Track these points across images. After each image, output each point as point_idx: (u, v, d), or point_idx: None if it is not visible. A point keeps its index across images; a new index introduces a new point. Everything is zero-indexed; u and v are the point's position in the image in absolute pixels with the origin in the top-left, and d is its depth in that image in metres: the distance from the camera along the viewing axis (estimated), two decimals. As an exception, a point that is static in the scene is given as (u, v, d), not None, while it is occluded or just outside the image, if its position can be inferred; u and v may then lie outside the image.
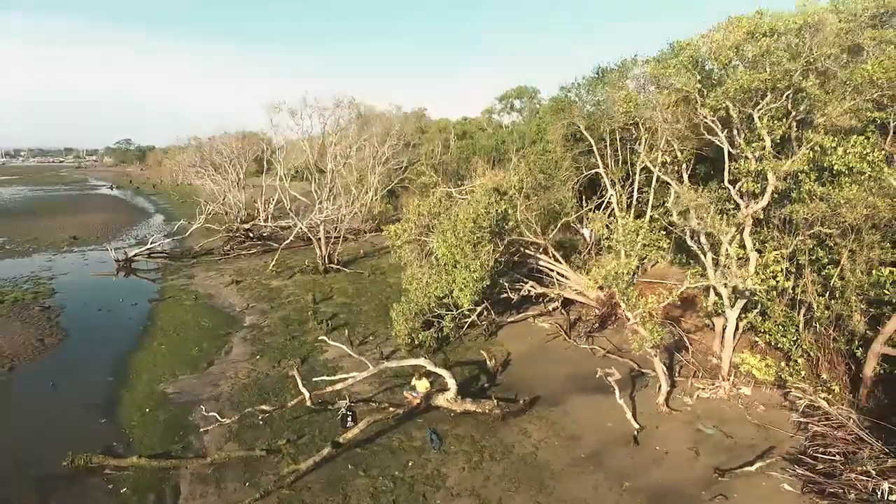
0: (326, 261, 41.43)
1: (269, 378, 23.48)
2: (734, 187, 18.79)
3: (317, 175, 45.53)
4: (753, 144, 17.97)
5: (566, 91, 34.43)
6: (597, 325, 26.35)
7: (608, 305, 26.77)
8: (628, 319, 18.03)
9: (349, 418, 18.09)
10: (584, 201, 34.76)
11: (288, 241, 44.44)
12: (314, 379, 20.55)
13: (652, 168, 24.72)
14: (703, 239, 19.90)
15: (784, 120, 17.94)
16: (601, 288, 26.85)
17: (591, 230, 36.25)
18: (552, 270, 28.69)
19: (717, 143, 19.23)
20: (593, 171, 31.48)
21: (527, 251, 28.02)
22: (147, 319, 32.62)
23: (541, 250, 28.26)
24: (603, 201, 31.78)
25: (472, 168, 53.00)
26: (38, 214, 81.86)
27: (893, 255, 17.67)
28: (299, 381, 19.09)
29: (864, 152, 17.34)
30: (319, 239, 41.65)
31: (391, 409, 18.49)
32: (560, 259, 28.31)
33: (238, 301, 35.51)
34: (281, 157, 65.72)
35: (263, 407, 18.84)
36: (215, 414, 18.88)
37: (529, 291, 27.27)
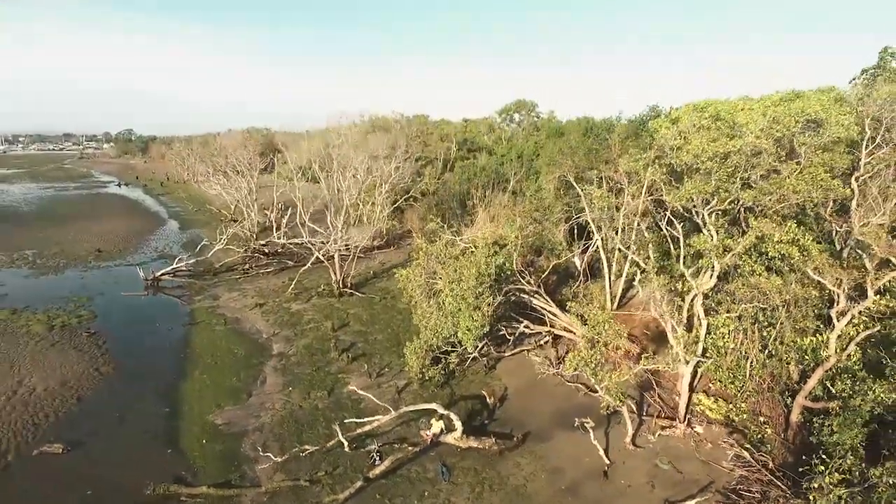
0: (341, 285, 45.46)
1: (303, 410, 27.70)
2: (688, 270, 22.76)
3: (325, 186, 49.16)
4: (702, 237, 22.01)
5: (559, 149, 38.05)
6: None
7: (591, 342, 30.90)
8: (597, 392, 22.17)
9: (378, 458, 22.29)
10: (575, 237, 38.76)
11: (306, 267, 48.13)
12: (345, 421, 24.72)
13: (625, 251, 28.81)
14: (664, 307, 23.97)
15: (727, 216, 21.94)
16: (585, 323, 31.11)
17: (582, 259, 40.39)
18: (545, 309, 32.75)
19: (674, 232, 23.22)
20: (582, 215, 35.37)
21: (522, 295, 32.02)
22: (185, 346, 36.73)
23: (534, 293, 32.24)
24: (590, 244, 35.70)
25: (473, 190, 56.88)
26: (56, 220, 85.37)
27: (817, 325, 21.78)
28: (340, 434, 23.09)
29: (795, 237, 21.42)
30: (334, 264, 45.59)
31: (409, 448, 22.73)
32: (551, 302, 32.32)
33: (264, 327, 39.63)
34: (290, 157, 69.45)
35: (307, 447, 22.98)
36: (269, 455, 22.89)
37: (525, 330, 31.38)
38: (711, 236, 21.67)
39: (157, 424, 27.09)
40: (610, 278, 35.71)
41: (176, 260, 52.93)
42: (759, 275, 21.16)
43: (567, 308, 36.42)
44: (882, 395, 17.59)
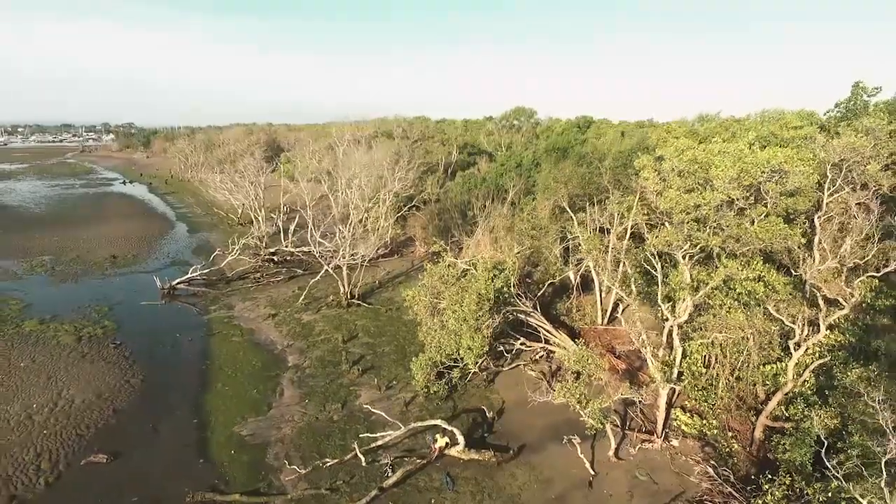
0: (349, 296, 48.24)
1: (319, 422, 30.57)
2: (665, 305, 25.44)
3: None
4: (677, 275, 24.75)
5: (554, 178, 40.60)
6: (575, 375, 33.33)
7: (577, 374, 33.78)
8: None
9: (390, 470, 25.17)
10: (570, 251, 41.43)
11: (316, 279, 50.79)
12: (361, 435, 27.61)
13: (612, 286, 31.59)
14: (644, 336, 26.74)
15: (703, 252, 24.67)
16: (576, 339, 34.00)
17: (576, 274, 43.06)
18: (540, 326, 35.53)
19: (654, 272, 25.93)
20: (576, 238, 38.05)
21: (519, 315, 34.76)
22: (205, 357, 39.52)
23: (529, 314, 34.99)
24: (583, 262, 38.40)
25: (474, 200, 59.43)
26: (68, 223, 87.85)
27: (779, 353, 24.58)
28: (357, 450, 25.96)
29: (761, 275, 24.16)
30: (342, 276, 48.32)
31: (418, 460, 25.63)
32: (545, 321, 35.08)
33: (278, 338, 42.45)
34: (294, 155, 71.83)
35: (327, 460, 25.85)
36: (295, 467, 25.73)
37: (521, 347, 34.20)
38: (685, 276, 24.40)
39: (188, 435, 29.94)
40: (601, 295, 38.47)
41: (191, 270, 55.56)
42: (729, 309, 23.91)
43: (562, 320, 39.37)
44: (826, 419, 20.40)
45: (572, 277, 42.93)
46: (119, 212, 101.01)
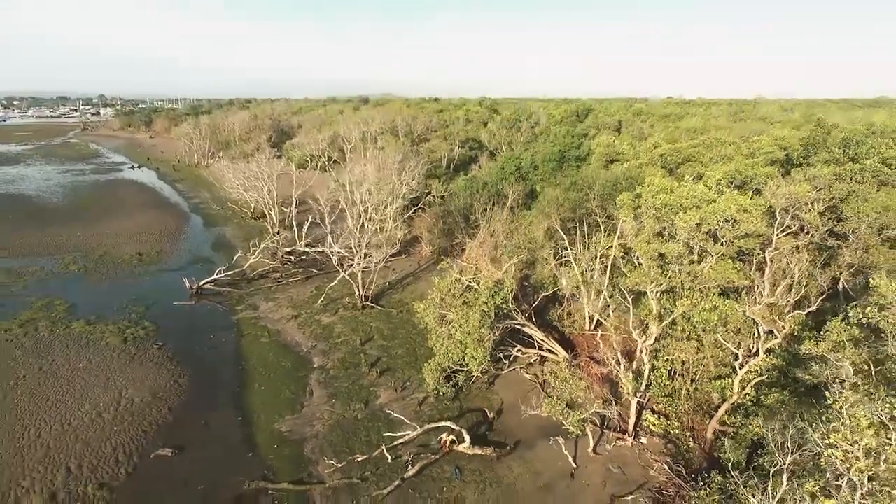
0: (363, 298, 53.46)
1: (346, 420, 36.08)
2: (636, 329, 30.57)
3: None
4: (645, 306, 29.89)
5: (548, 202, 45.32)
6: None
7: (570, 363, 39.23)
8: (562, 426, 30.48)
9: (410, 464, 30.75)
10: (561, 267, 46.43)
11: (333, 285, 55.77)
12: (384, 434, 33.15)
13: (595, 314, 36.75)
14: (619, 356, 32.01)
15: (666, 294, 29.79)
16: (568, 349, 39.40)
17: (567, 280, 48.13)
18: (534, 335, 40.84)
19: (626, 303, 31.04)
20: (566, 256, 43.06)
21: (516, 326, 39.99)
22: (239, 358, 44.82)
23: (524, 325, 40.22)
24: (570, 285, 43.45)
25: (475, 204, 64.10)
26: (87, 216, 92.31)
27: (729, 370, 29.91)
28: (384, 448, 31.46)
29: (715, 306, 29.31)
30: (357, 280, 53.42)
31: (431, 455, 31.23)
32: (538, 331, 40.32)
33: (302, 339, 47.80)
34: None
35: (358, 456, 31.40)
36: (333, 462, 31.23)
37: (518, 353, 39.59)
38: (651, 308, 29.54)
39: (235, 431, 35.46)
40: (589, 293, 43.61)
41: (216, 271, 60.55)
42: (688, 336, 29.14)
43: (554, 325, 44.69)
44: (756, 429, 25.79)
45: (564, 284, 48.11)
46: (134, 202, 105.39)
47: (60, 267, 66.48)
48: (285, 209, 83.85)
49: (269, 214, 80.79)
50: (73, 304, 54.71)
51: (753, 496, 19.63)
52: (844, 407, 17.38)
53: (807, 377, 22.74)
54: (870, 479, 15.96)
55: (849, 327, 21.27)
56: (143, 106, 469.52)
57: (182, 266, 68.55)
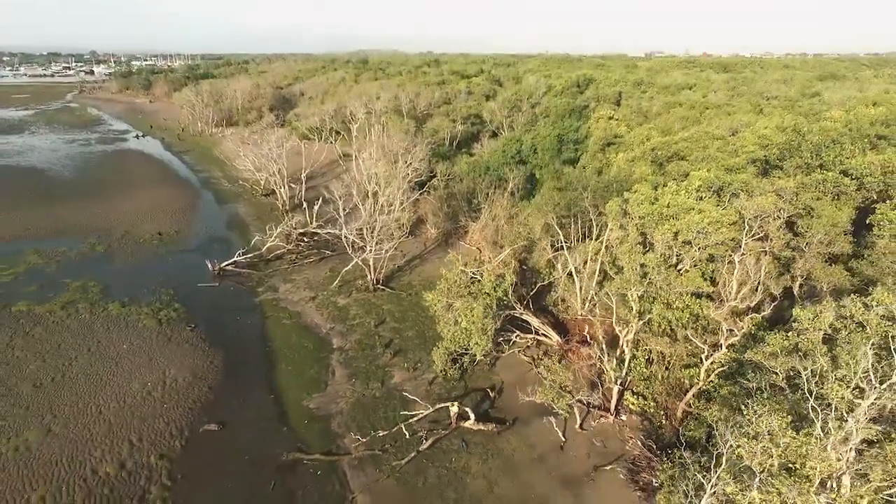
0: (375, 281, 58.07)
1: (366, 398, 41.23)
2: (618, 326, 35.20)
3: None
4: (626, 306, 34.53)
5: (545, 201, 49.19)
6: (558, 359, 43.88)
7: (562, 346, 44.23)
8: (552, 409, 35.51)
9: (424, 438, 36.03)
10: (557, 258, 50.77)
11: (348, 269, 60.06)
12: (401, 413, 38.31)
13: (584, 314, 41.28)
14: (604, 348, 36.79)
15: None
16: (560, 334, 44.34)
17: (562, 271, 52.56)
18: (531, 321, 45.62)
19: (610, 303, 35.61)
20: (561, 250, 47.33)
21: (514, 314, 44.71)
22: (265, 339, 49.67)
23: (522, 314, 44.94)
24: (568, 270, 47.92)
25: (478, 188, 67.89)
26: (100, 191, 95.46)
27: (697, 360, 34.79)
28: (403, 427, 36.60)
29: (688, 304, 33.93)
30: (369, 265, 57.85)
31: (442, 430, 36.51)
32: (535, 318, 45.07)
33: (321, 321, 52.62)
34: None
35: (380, 431, 36.63)
36: (359, 437, 36.43)
37: (517, 339, 44.52)
38: (632, 307, 34.14)
39: (269, 408, 40.59)
40: (580, 291, 48.32)
41: (237, 253, 64.86)
42: (663, 332, 33.87)
43: (549, 310, 49.48)
44: (715, 412, 30.78)
45: (560, 269, 52.59)
46: (145, 176, 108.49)
47: (86, 248, 70.37)
48: (293, 185, 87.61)
49: (279, 192, 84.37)
50: (106, 286, 58.90)
51: (698, 473, 24.76)
52: (754, 418, 22.47)
53: (744, 381, 27.47)
54: (763, 470, 21.23)
55: (785, 339, 25.82)
56: (137, 64, 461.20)
57: (201, 246, 72.70)
